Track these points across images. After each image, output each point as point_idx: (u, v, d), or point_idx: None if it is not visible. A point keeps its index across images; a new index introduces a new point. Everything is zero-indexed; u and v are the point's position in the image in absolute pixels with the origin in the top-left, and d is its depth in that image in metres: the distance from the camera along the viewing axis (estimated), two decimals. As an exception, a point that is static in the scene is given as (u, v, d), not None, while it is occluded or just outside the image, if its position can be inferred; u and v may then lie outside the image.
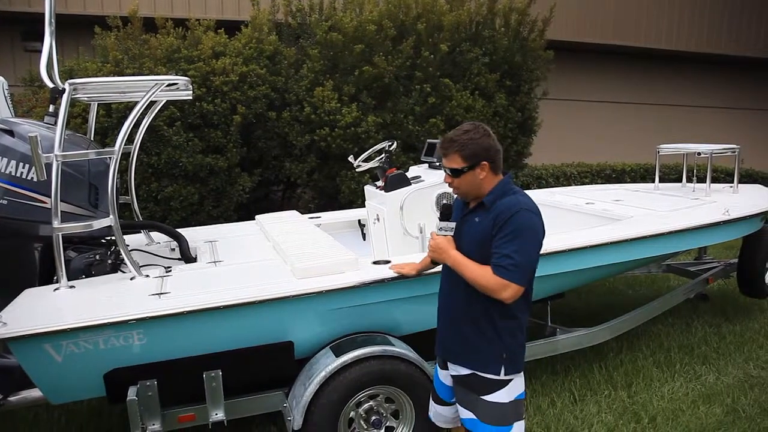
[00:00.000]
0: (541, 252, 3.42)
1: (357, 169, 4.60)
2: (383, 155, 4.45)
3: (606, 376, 4.26)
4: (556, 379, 4.23)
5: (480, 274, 2.25)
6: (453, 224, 2.43)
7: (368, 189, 4.52)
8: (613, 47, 13.90)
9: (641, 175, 11.96)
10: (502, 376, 2.35)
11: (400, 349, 3.06)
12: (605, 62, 14.54)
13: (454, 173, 2.35)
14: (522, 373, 2.44)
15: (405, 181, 4.16)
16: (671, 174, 10.83)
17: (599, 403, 3.89)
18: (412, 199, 4.08)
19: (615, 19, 13.73)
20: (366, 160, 4.54)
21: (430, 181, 4.15)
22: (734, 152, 5.63)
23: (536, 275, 3.49)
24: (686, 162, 6.13)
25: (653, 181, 6.17)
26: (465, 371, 2.42)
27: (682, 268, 5.85)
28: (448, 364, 2.52)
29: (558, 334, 4.04)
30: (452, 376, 2.51)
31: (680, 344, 4.84)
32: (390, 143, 4.53)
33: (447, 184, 2.45)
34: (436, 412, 2.73)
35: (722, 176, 10.18)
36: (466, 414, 2.43)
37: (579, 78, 14.11)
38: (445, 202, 2.51)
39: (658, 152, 5.90)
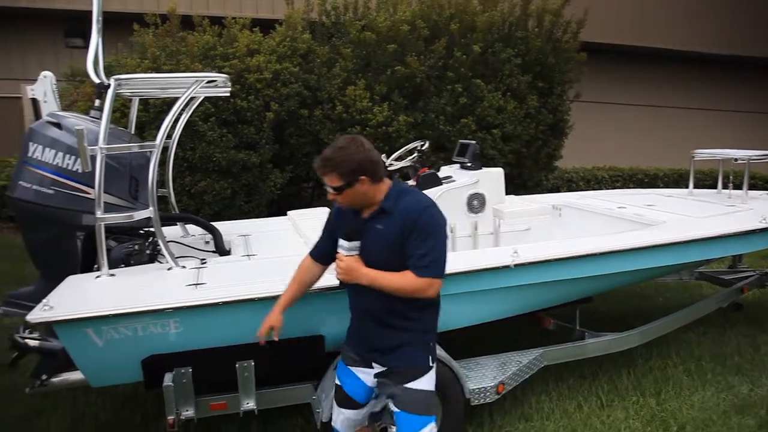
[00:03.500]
0: (572, 255, 3.48)
1: (389, 168, 4.63)
2: (415, 155, 4.48)
3: (634, 382, 4.21)
4: (583, 383, 4.20)
5: (402, 281, 2.31)
6: (358, 243, 2.40)
7: (400, 187, 4.54)
8: (648, 50, 13.70)
9: (675, 180, 11.76)
10: (430, 363, 2.49)
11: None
12: (640, 65, 14.34)
13: (335, 190, 2.35)
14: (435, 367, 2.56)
15: (437, 181, 4.18)
16: (706, 180, 10.63)
17: (627, 409, 3.85)
18: (443, 198, 4.10)
19: (651, 22, 13.53)
20: (398, 159, 4.57)
21: (461, 182, 4.17)
22: (772, 159, 5.50)
23: (567, 278, 3.55)
24: (722, 168, 6.01)
25: (687, 187, 6.07)
26: (391, 365, 2.48)
27: (716, 276, 5.74)
28: (373, 363, 2.54)
29: (586, 338, 4.02)
30: (378, 374, 2.53)
31: (712, 353, 4.75)
32: (422, 143, 4.56)
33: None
34: (346, 417, 2.66)
35: (760, 183, 9.95)
36: (393, 407, 2.50)
37: (612, 80, 13.94)
38: (348, 223, 2.47)
39: (693, 158, 5.80)
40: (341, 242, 2.42)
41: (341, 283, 2.49)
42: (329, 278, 2.97)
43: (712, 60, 14.52)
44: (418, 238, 2.28)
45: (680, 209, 4.80)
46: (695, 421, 3.72)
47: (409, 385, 2.45)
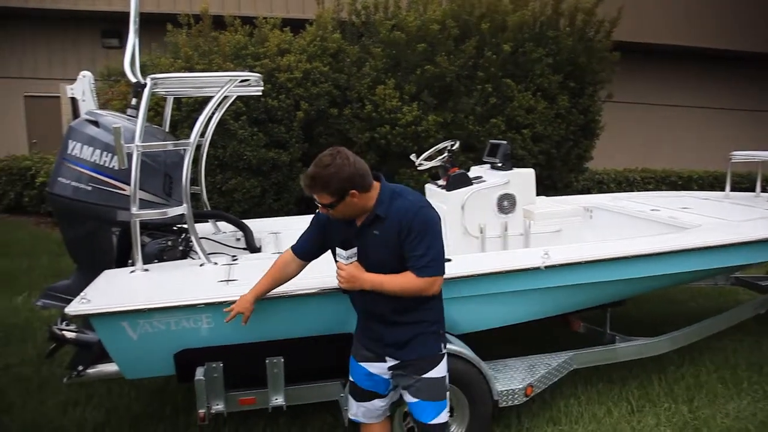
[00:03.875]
0: (604, 257, 3.43)
1: (418, 168, 4.63)
2: (445, 154, 4.47)
3: (666, 389, 4.13)
4: (612, 387, 4.13)
5: (404, 282, 2.36)
6: (355, 249, 2.43)
7: (429, 188, 4.54)
8: (683, 48, 13.42)
9: (709, 183, 11.50)
10: (442, 351, 2.56)
11: (458, 347, 3.08)
12: (674, 64, 14.06)
13: (327, 207, 2.35)
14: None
15: (467, 181, 4.16)
16: (743, 183, 10.36)
17: (658, 416, 3.78)
18: (473, 199, 4.08)
19: (686, 20, 13.25)
20: (428, 159, 4.57)
21: (491, 182, 4.15)
22: (814, 161, 5.35)
23: (598, 281, 3.50)
24: (761, 170, 5.86)
25: (723, 190, 5.93)
26: (406, 359, 2.52)
27: (753, 281, 5.59)
28: (387, 357, 2.57)
29: (617, 342, 3.96)
30: (392, 367, 2.57)
31: (748, 362, 4.62)
32: (453, 143, 4.54)
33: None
34: (367, 409, 2.68)
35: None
36: (410, 398, 2.54)
37: (644, 80, 13.70)
38: (342, 230, 2.48)
39: (731, 159, 5.66)
40: (339, 251, 2.47)
41: (343, 290, 2.53)
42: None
43: (749, 58, 14.15)
44: (415, 239, 2.32)
45: (716, 212, 4.70)
46: (730, 430, 3.64)
47: (426, 375, 2.51)
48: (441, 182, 4.38)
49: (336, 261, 2.53)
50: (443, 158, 4.49)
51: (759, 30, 13.78)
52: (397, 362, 2.55)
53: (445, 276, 2.44)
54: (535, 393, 3.41)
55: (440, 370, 2.55)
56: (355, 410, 2.71)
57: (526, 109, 7.66)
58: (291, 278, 2.72)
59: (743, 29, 13.68)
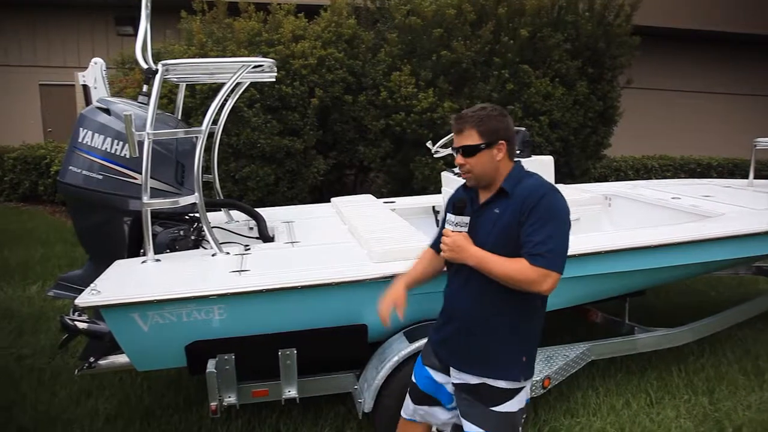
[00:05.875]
0: (624, 247, 3.34)
1: (435, 155, 4.56)
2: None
3: (685, 380, 4.06)
4: (631, 379, 4.07)
5: (514, 268, 2.01)
6: (467, 218, 2.13)
7: (445, 175, 4.47)
8: (705, 33, 13.13)
9: (729, 170, 11.31)
10: (520, 383, 2.16)
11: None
12: (695, 49, 13.76)
13: (469, 152, 2.12)
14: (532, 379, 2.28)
15: (483, 169, 4.08)
16: (764, 170, 10.17)
17: (678, 408, 3.72)
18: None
19: (709, 2, 12.93)
20: (444, 147, 4.49)
21: (508, 170, 4.05)
22: (842, 148, 5.19)
23: (618, 271, 3.42)
24: (786, 157, 5.71)
25: (745, 177, 5.78)
26: (474, 380, 2.17)
27: (775, 271, 5.48)
28: (452, 370, 2.26)
29: (636, 333, 3.88)
30: (456, 384, 2.25)
31: (770, 352, 4.55)
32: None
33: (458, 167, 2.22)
34: (427, 413, 2.40)
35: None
36: (471, 428, 2.17)
37: (664, 65, 13.44)
38: (459, 195, 2.25)
39: (755, 146, 5.51)
40: (449, 216, 2.16)
41: (446, 265, 2.26)
42: (374, 267, 2.95)
43: (773, 43, 13.85)
44: (536, 223, 2.01)
45: (740, 200, 4.58)
46: (752, 422, 3.56)
47: (495, 408, 2.15)
48: (457, 170, 4.30)
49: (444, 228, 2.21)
50: (459, 145, 4.40)
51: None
52: (461, 382, 2.22)
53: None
54: (552, 385, 3.35)
55: (514, 404, 2.16)
56: (411, 412, 2.45)
57: (544, 96, 7.54)
58: (439, 273, 2.47)
59: (766, 13, 13.34)
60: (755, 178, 5.78)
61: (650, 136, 12.85)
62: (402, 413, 2.53)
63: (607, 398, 3.81)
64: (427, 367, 2.39)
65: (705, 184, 5.83)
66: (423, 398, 2.40)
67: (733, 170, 11.28)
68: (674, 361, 4.30)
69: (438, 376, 2.34)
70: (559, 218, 2.06)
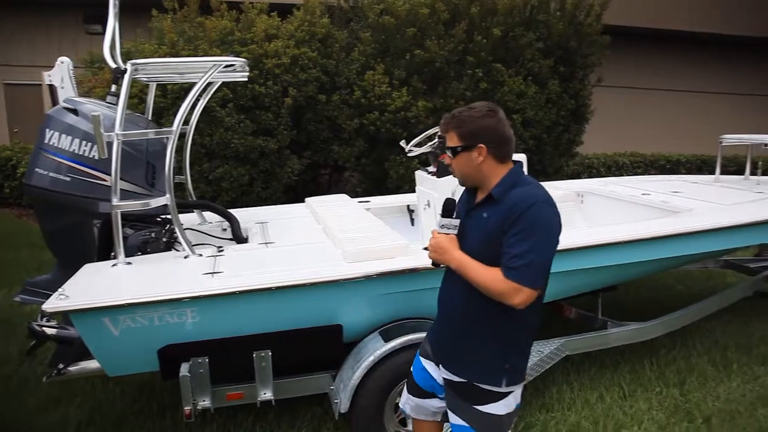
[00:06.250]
0: (595, 243, 3.39)
1: (408, 154, 4.56)
2: (435, 140, 4.40)
3: (657, 373, 4.14)
4: (604, 373, 4.13)
5: (489, 277, 1.97)
6: (457, 221, 2.14)
7: (419, 174, 4.48)
8: (672, 33, 13.38)
9: (697, 166, 11.56)
10: (502, 388, 2.12)
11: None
12: (663, 48, 14.02)
13: (451, 152, 2.11)
14: (522, 384, 2.21)
15: (456, 168, 4.09)
16: (730, 166, 10.38)
17: (650, 400, 3.78)
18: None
19: (676, 3, 13.18)
20: (418, 145, 4.49)
21: (481, 168, 4.07)
22: (805, 143, 5.34)
23: (590, 266, 3.46)
24: (751, 153, 5.85)
25: (712, 173, 5.92)
26: (459, 379, 2.18)
27: (741, 264, 5.61)
28: (440, 366, 2.29)
29: (609, 328, 3.94)
30: (444, 379, 2.27)
31: (737, 343, 4.65)
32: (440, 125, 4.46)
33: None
34: (418, 405, 2.44)
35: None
36: (456, 420, 2.20)
37: (634, 64, 13.66)
38: (448, 196, 2.24)
39: (721, 143, 5.64)
40: (439, 218, 2.18)
41: (434, 263, 2.22)
42: (348, 267, 2.94)
43: (737, 43, 14.14)
44: (518, 234, 1.94)
45: (707, 196, 4.68)
46: (721, 413, 3.65)
47: (479, 407, 2.14)
48: (431, 169, 4.31)
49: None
50: (433, 144, 4.42)
51: (747, 14, 13.75)
52: (448, 378, 2.23)
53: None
54: (528, 381, 3.37)
55: (499, 407, 2.14)
56: (404, 401, 2.50)
57: (517, 94, 7.60)
58: None
59: (733, 13, 13.64)
60: (721, 173, 5.91)
61: (621, 133, 13.05)
62: (399, 404, 2.55)
63: (582, 392, 3.86)
64: (422, 359, 2.41)
65: (674, 180, 5.94)
66: (416, 390, 2.43)
67: (701, 166, 11.54)
68: (647, 354, 4.38)
69: (430, 367, 2.37)
70: (543, 232, 1.98)
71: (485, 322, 2.10)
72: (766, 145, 5.36)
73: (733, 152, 9.58)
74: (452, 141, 2.10)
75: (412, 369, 2.48)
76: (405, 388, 2.52)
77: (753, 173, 5.73)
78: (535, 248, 1.94)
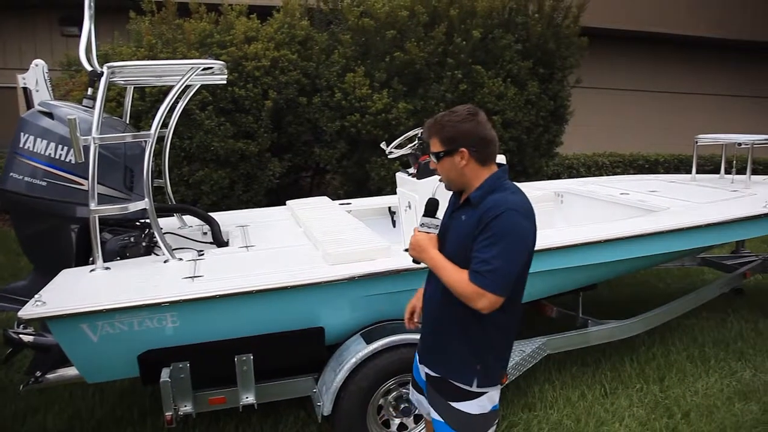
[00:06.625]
0: (575, 242, 3.43)
1: (389, 156, 4.57)
2: (416, 142, 4.41)
3: (638, 370, 4.19)
4: (586, 371, 4.18)
5: (455, 278, 2.00)
6: (437, 221, 2.17)
7: (400, 176, 4.49)
8: (649, 34, 13.56)
9: (675, 165, 11.71)
10: (474, 388, 2.14)
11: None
12: (640, 50, 14.20)
13: (435, 157, 2.12)
14: (498, 386, 2.22)
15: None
16: (707, 165, 10.57)
17: (631, 397, 3.83)
18: (444, 187, 4.03)
19: (653, 6, 13.37)
20: (398, 147, 4.51)
21: (462, 169, 4.09)
22: (777, 143, 5.44)
23: (570, 266, 3.49)
24: (725, 153, 5.95)
25: (689, 172, 6.01)
26: (436, 374, 2.23)
27: (718, 261, 5.70)
28: (422, 362, 2.34)
29: (590, 326, 3.98)
30: (426, 374, 2.31)
31: (715, 339, 4.73)
32: (423, 130, 4.48)
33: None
34: (418, 400, 2.49)
35: (760, 168, 9.89)
36: (435, 415, 2.24)
37: (611, 66, 13.81)
38: (431, 196, 2.27)
39: (697, 142, 5.73)
40: (420, 218, 2.20)
41: (414, 261, 2.23)
42: (329, 270, 2.94)
43: (712, 44, 14.37)
44: (487, 239, 1.95)
45: (683, 195, 4.76)
46: (699, 407, 3.71)
47: (454, 404, 2.17)
48: (411, 170, 4.33)
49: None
50: (413, 146, 4.43)
51: (723, 16, 14.00)
52: (428, 373, 2.26)
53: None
54: (510, 380, 3.40)
55: (471, 407, 2.16)
56: (411, 395, 2.54)
57: (497, 96, 7.64)
58: None
59: (707, 15, 13.88)
60: (699, 172, 6.01)
61: (600, 134, 13.18)
62: (412, 400, 2.55)
63: (564, 391, 3.90)
64: (417, 355, 2.43)
65: (651, 179, 6.03)
66: (414, 385, 2.47)
67: (679, 165, 11.69)
68: (627, 352, 4.43)
69: (421, 366, 2.39)
70: (512, 240, 1.97)
71: (456, 322, 2.13)
72: (740, 144, 5.45)
73: (710, 152, 9.75)
74: (435, 146, 2.11)
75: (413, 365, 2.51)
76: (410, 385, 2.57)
77: (728, 172, 5.83)
78: (502, 255, 1.95)
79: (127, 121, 3.90)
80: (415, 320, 2.41)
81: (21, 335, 2.88)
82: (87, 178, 2.90)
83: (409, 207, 4.29)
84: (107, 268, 2.95)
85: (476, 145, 2.06)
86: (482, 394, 2.16)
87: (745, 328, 4.99)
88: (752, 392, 3.91)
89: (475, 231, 2.00)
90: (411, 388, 2.53)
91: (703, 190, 5.06)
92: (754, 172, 5.48)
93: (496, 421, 2.27)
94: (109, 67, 3.06)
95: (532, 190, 4.84)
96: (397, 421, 3.16)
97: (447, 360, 2.18)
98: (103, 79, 3.02)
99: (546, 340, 3.70)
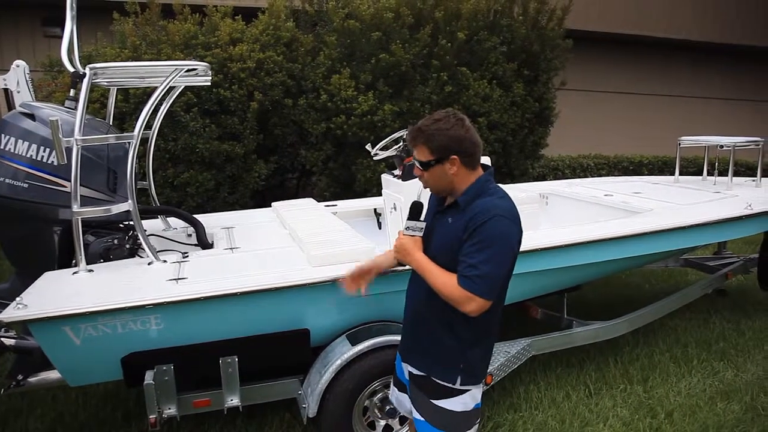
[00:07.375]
0: (559, 244, 3.45)
1: (374, 158, 4.57)
2: (401, 144, 4.42)
3: (621, 370, 4.23)
4: (570, 372, 4.20)
5: (443, 282, 2.03)
6: (422, 224, 2.19)
7: (385, 178, 4.50)
8: (631, 37, 13.70)
9: (659, 167, 11.83)
10: (457, 386, 2.16)
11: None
12: (623, 52, 14.34)
13: (423, 166, 2.11)
14: (481, 385, 2.24)
15: (422, 171, 4.12)
16: (690, 167, 10.68)
17: (615, 397, 3.86)
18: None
19: (635, 9, 13.51)
20: (383, 149, 4.51)
21: (447, 171, 4.11)
22: (758, 145, 5.52)
23: (555, 267, 3.52)
24: (708, 155, 6.03)
25: (672, 174, 6.08)
26: (418, 371, 2.25)
27: (701, 262, 5.77)
28: (405, 360, 2.36)
29: (574, 327, 4.01)
30: (408, 372, 2.32)
31: (698, 340, 4.79)
32: (406, 137, 4.49)
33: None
34: (398, 399, 2.50)
35: (742, 170, 10.03)
36: (416, 414, 2.26)
37: (596, 68, 13.93)
38: (416, 200, 2.26)
39: (680, 144, 5.80)
40: (405, 220, 2.23)
41: (399, 263, 2.28)
42: (314, 271, 2.93)
43: (696, 48, 14.55)
44: (475, 245, 1.98)
45: (667, 197, 4.81)
46: (682, 407, 3.74)
47: (436, 402, 2.19)
48: (397, 172, 4.34)
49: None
50: (399, 148, 4.44)
51: (707, 19, 14.18)
52: (411, 370, 2.28)
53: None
54: (495, 381, 3.42)
55: (454, 404, 2.18)
56: (390, 393, 2.56)
57: (482, 98, 7.67)
58: None
59: (692, 19, 14.05)
60: (682, 174, 6.08)
61: (585, 136, 13.28)
62: (392, 400, 2.55)
63: (549, 392, 3.92)
64: (399, 354, 2.43)
65: (636, 181, 6.09)
66: (397, 383, 2.48)
67: (663, 167, 11.80)
68: (611, 352, 4.47)
69: (403, 364, 2.39)
70: (500, 245, 2.00)
71: (442, 321, 2.15)
72: (722, 146, 5.52)
73: (694, 154, 9.87)
74: (423, 155, 2.09)
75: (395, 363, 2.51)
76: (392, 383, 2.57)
77: (710, 174, 5.90)
78: (491, 260, 1.98)
79: (111, 123, 3.87)
80: (363, 291, 2.36)
81: (2, 338, 2.84)
82: (70, 180, 2.87)
83: (395, 208, 4.30)
84: (90, 271, 2.92)
85: (466, 151, 2.07)
86: (465, 391, 2.18)
87: (727, 328, 5.06)
88: (734, 392, 3.96)
89: (462, 235, 2.02)
90: (392, 387, 2.54)
91: (686, 192, 5.12)
92: (736, 174, 5.56)
93: (479, 420, 2.29)
94: (91, 68, 3.03)
95: (517, 191, 4.87)
96: (383, 422, 3.16)
97: (431, 358, 2.20)
98: (85, 81, 2.99)
99: (531, 341, 3.72)
